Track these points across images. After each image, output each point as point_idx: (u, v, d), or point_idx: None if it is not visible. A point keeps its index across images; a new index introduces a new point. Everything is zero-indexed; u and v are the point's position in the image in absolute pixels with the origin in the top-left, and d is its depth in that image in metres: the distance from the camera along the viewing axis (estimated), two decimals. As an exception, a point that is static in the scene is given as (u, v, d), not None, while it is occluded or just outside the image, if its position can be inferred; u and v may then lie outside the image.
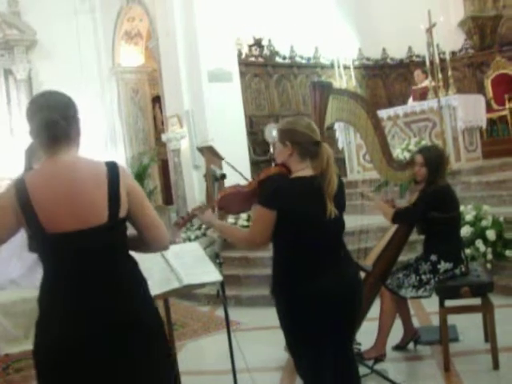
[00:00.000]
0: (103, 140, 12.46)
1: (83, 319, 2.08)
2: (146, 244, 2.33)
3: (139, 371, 2.16)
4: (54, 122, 2.16)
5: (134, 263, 2.29)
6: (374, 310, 4.30)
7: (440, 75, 8.89)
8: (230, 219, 7.70)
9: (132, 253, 2.31)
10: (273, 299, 2.82)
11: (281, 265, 2.77)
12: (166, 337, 2.36)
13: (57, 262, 2.14)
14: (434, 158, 4.25)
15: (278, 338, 4.57)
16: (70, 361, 2.08)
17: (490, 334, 4.03)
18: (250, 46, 11.79)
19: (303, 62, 12.65)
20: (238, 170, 3.85)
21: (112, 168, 2.21)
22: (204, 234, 8.34)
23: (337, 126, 9.91)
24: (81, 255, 2.11)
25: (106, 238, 2.15)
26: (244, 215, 7.86)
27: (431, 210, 4.18)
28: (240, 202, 3.10)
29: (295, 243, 2.70)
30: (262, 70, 11.97)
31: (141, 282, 2.29)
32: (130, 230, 2.29)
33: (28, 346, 3.19)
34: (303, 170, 2.76)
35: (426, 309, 5.42)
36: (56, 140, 2.17)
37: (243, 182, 3.22)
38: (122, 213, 2.18)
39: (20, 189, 2.11)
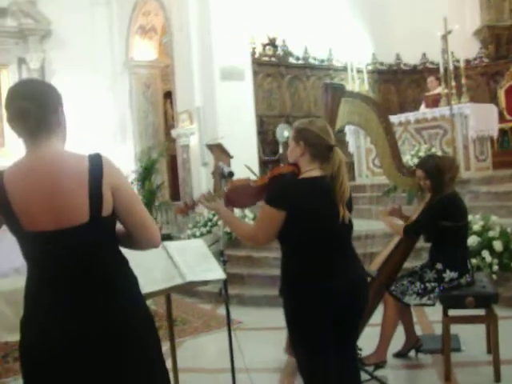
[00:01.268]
0: (113, 133, 12.48)
1: (63, 319, 1.99)
2: (135, 243, 2.20)
3: (124, 373, 2.06)
4: (26, 110, 2.02)
5: (124, 262, 2.18)
6: (377, 316, 4.27)
7: (453, 83, 8.85)
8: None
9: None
10: (280, 298, 2.80)
11: (290, 265, 2.76)
12: (157, 338, 2.25)
13: (37, 261, 2.05)
14: (434, 169, 4.22)
15: (279, 338, 4.58)
16: (50, 360, 2.01)
17: (492, 345, 4.00)
18: (264, 46, 11.78)
19: (316, 63, 12.63)
20: (254, 171, 3.83)
21: (95, 162, 2.05)
22: (209, 231, 8.33)
23: (347, 129, 9.89)
24: (60, 255, 2.00)
25: (87, 238, 2.02)
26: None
27: (438, 218, 4.15)
28: (248, 196, 3.08)
29: (305, 243, 2.69)
30: (275, 70, 11.96)
31: (129, 281, 2.18)
32: (120, 226, 2.18)
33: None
34: (312, 170, 2.76)
35: (429, 317, 5.39)
36: (31, 131, 2.05)
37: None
38: (106, 211, 2.04)
39: None
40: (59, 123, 2.13)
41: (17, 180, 2.01)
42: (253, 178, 3.17)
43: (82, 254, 2.03)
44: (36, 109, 2.03)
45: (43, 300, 2.04)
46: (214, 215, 8.44)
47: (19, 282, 4.23)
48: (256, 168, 9.47)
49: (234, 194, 3.08)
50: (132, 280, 2.20)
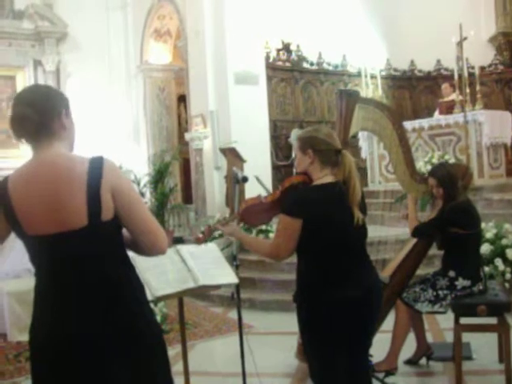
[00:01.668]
0: (127, 136, 12.54)
1: (67, 322, 2.00)
2: (140, 249, 2.17)
3: (124, 378, 2.05)
4: (25, 116, 2.04)
5: (128, 267, 2.16)
6: (388, 323, 4.26)
7: (468, 90, 8.83)
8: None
9: None
10: (292, 304, 2.80)
11: (305, 273, 2.75)
12: (163, 344, 2.24)
13: (41, 265, 2.07)
14: (446, 177, 4.22)
15: (290, 343, 4.58)
16: (56, 362, 2.01)
17: (505, 354, 3.97)
18: (278, 51, 11.80)
19: (330, 69, 12.62)
20: (264, 185, 3.83)
21: (95, 165, 2.02)
22: (222, 235, 8.33)
23: (360, 135, 9.88)
24: (61, 258, 2.01)
25: (86, 242, 2.00)
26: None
27: (450, 225, 4.14)
28: (262, 213, 3.06)
29: (321, 251, 2.68)
30: (289, 75, 11.97)
31: (134, 287, 2.14)
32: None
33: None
34: (324, 176, 2.76)
35: (441, 325, 5.37)
36: (30, 135, 2.07)
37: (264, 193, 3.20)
38: (107, 215, 2.01)
39: (2, 189, 2.03)
40: (64, 127, 2.12)
41: (19, 185, 2.03)
42: (263, 193, 3.17)
43: (82, 258, 2.02)
44: (35, 114, 2.04)
45: (48, 302, 2.06)
46: (224, 219, 8.44)
47: (31, 282, 4.27)
48: (269, 173, 9.50)
49: (248, 214, 3.06)
50: (136, 286, 2.17)
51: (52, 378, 2.05)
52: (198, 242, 3.09)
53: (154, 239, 2.12)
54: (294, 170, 3.07)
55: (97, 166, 2.02)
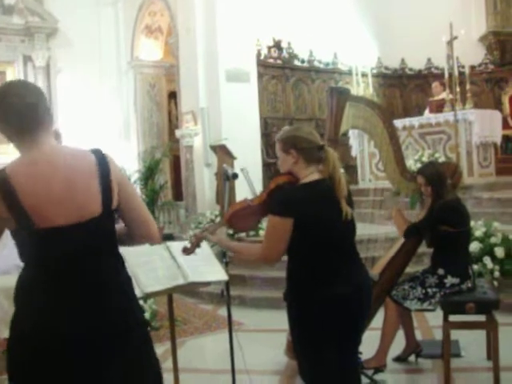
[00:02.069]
0: (117, 132, 12.50)
1: (66, 318, 1.97)
2: (134, 238, 2.23)
3: (119, 373, 2.06)
4: (35, 104, 2.03)
5: (122, 262, 2.18)
6: (377, 320, 4.28)
7: (458, 88, 8.86)
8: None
9: (139, 247, 2.26)
10: (283, 301, 2.80)
11: (295, 271, 2.74)
12: (149, 338, 2.25)
13: (44, 258, 2.01)
14: (435, 175, 4.25)
15: (280, 340, 4.59)
16: (48, 360, 1.98)
17: (492, 351, 4.00)
18: (269, 48, 11.78)
19: (321, 66, 12.62)
20: (249, 178, 3.82)
21: (100, 156, 2.08)
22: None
23: (351, 133, 9.90)
24: (71, 249, 1.99)
25: (99, 231, 2.04)
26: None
27: (440, 224, 4.16)
28: (250, 216, 2.98)
29: (314, 248, 2.67)
30: (280, 73, 11.96)
31: (126, 281, 2.18)
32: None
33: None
34: (311, 174, 2.74)
35: (430, 322, 5.40)
36: (35, 125, 2.04)
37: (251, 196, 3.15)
38: (114, 204, 2.09)
39: (2, 183, 1.95)
40: (50, 123, 2.12)
41: (25, 178, 1.97)
42: (249, 190, 3.13)
43: (93, 247, 2.03)
44: (41, 104, 2.06)
45: (46, 299, 2.00)
46: (216, 216, 8.46)
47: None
48: (259, 170, 9.50)
49: (236, 219, 2.97)
50: (130, 279, 2.21)
51: (39, 380, 2.01)
52: (187, 253, 2.99)
53: (148, 228, 2.20)
54: (276, 178, 2.98)
55: (103, 158, 2.08)
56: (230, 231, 5.26)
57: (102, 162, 2.07)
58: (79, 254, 2.01)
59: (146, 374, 2.18)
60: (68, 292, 2.00)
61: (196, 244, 2.96)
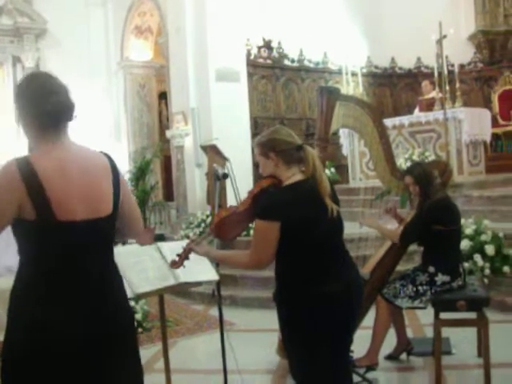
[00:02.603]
0: (107, 132, 12.46)
1: (66, 316, 1.98)
2: (125, 236, 2.38)
3: (108, 370, 2.07)
4: (71, 107, 2.12)
5: (113, 260, 2.23)
6: (369, 319, 4.29)
7: (447, 87, 8.89)
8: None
9: (127, 247, 2.30)
10: (273, 301, 2.79)
11: (283, 271, 2.72)
12: (137, 338, 2.32)
13: (57, 252, 2.00)
14: (422, 175, 4.28)
15: (271, 340, 4.59)
16: (62, 362, 1.97)
17: (483, 349, 4.01)
18: (259, 48, 11.79)
19: (311, 66, 12.65)
20: (232, 171, 3.80)
21: (111, 161, 2.20)
22: (203, 232, 8.33)
23: (341, 132, 9.91)
24: (87, 244, 2.05)
25: (109, 229, 2.14)
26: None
27: (432, 223, 4.18)
28: (236, 224, 2.89)
29: (302, 249, 2.65)
30: (270, 72, 11.97)
31: (121, 281, 2.26)
32: None
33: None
34: (293, 176, 2.73)
35: (421, 320, 5.41)
36: (63, 124, 2.11)
37: (234, 201, 3.10)
38: (120, 204, 2.18)
39: (27, 172, 1.95)
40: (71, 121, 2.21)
41: (52, 169, 2.00)
42: (234, 203, 3.07)
43: (103, 244, 2.13)
44: (70, 105, 2.14)
45: (55, 298, 2.00)
46: (207, 216, 8.45)
47: (11, 281, 4.23)
48: (250, 170, 9.49)
49: (223, 227, 2.87)
50: (121, 278, 2.27)
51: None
52: (175, 266, 2.95)
53: (140, 225, 2.37)
54: (259, 182, 2.91)
55: (113, 162, 2.21)
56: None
57: (113, 165, 2.18)
58: (94, 246, 2.08)
59: (141, 375, 2.21)
60: (69, 290, 2.01)
61: (184, 257, 2.90)
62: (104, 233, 2.12)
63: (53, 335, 1.97)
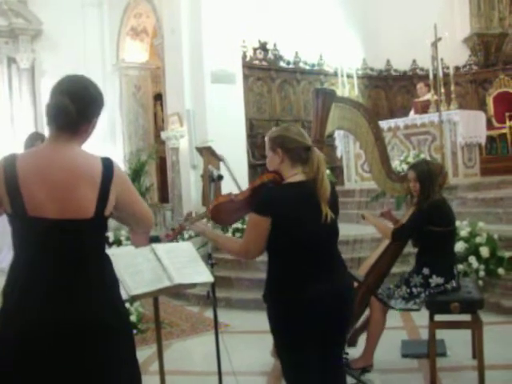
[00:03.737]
0: (102, 134, 12.43)
1: (49, 315, 2.05)
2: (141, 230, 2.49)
3: (88, 367, 2.11)
4: (65, 111, 2.17)
5: (109, 261, 2.27)
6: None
7: (442, 89, 8.91)
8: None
9: (122, 249, 2.31)
10: (264, 304, 2.79)
11: (274, 272, 2.73)
12: (133, 341, 2.32)
13: (31, 246, 2.10)
14: (426, 173, 4.25)
15: (266, 342, 4.58)
16: (30, 357, 2.04)
17: (477, 350, 4.02)
18: (255, 49, 11.79)
19: (307, 68, 12.65)
20: (234, 176, 3.81)
21: (107, 166, 2.21)
22: (197, 234, 8.31)
23: (336, 134, 9.93)
24: (57, 242, 2.09)
25: (87, 232, 2.14)
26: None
27: (426, 224, 4.18)
28: (233, 211, 3.00)
29: (290, 250, 2.66)
30: (266, 74, 11.97)
31: (112, 282, 2.27)
32: None
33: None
34: (295, 175, 2.75)
35: (415, 322, 5.42)
36: (58, 126, 2.18)
37: (236, 189, 3.16)
38: (108, 211, 2.19)
39: (8, 166, 2.10)
40: (86, 132, 2.27)
41: (30, 167, 2.11)
42: (234, 191, 3.13)
43: (78, 245, 2.13)
44: (74, 111, 2.18)
45: (30, 293, 2.07)
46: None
47: (2, 281, 4.22)
48: (245, 171, 9.48)
49: (219, 212, 2.99)
50: (116, 282, 2.29)
51: (22, 378, 2.04)
52: (168, 238, 3.05)
53: (146, 222, 2.41)
54: (262, 175, 2.99)
55: (109, 168, 2.20)
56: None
57: (107, 173, 2.18)
58: (65, 245, 2.11)
59: (120, 372, 2.21)
60: (33, 283, 2.08)
61: (179, 232, 3.01)
62: (81, 234, 2.12)
63: (6, 323, 2.08)
